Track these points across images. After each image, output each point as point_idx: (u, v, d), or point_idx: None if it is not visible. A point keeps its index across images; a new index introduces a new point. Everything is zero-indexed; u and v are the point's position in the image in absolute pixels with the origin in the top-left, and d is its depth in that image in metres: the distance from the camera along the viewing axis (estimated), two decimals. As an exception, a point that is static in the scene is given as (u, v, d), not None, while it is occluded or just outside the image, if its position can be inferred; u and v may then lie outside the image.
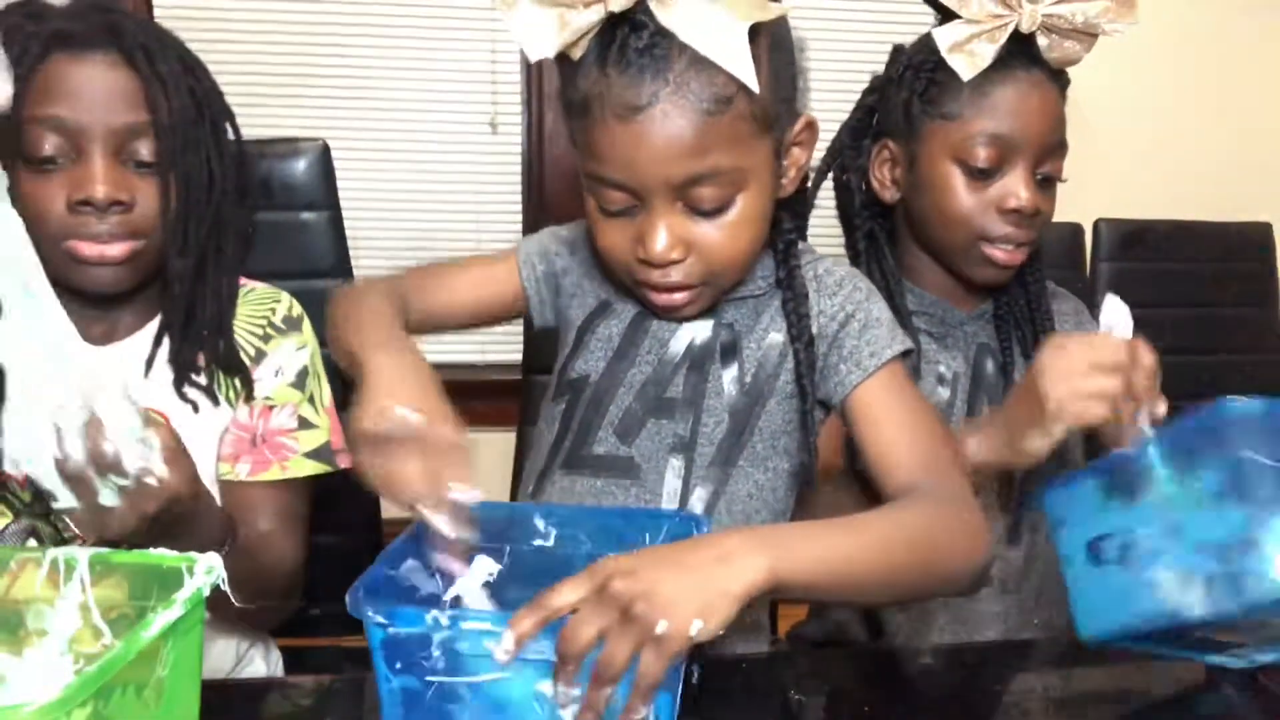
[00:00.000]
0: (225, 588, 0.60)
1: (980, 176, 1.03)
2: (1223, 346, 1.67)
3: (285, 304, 1.05)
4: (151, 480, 0.71)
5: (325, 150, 1.28)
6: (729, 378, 0.89)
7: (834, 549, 0.68)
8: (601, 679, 0.57)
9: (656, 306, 0.86)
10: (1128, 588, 0.74)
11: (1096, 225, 1.71)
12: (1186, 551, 0.69)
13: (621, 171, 0.76)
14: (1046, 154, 1.03)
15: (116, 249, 0.91)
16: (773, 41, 0.78)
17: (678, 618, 0.57)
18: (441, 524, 0.67)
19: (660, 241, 0.78)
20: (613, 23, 0.72)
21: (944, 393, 1.09)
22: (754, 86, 0.72)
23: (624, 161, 0.76)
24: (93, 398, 0.69)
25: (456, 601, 0.70)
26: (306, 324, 1.06)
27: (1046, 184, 1.05)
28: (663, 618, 0.56)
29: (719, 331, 0.90)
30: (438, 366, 0.75)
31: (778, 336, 0.89)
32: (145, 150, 0.91)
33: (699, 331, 0.90)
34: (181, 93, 0.92)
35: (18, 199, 0.89)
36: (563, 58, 0.75)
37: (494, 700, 0.60)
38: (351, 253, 1.31)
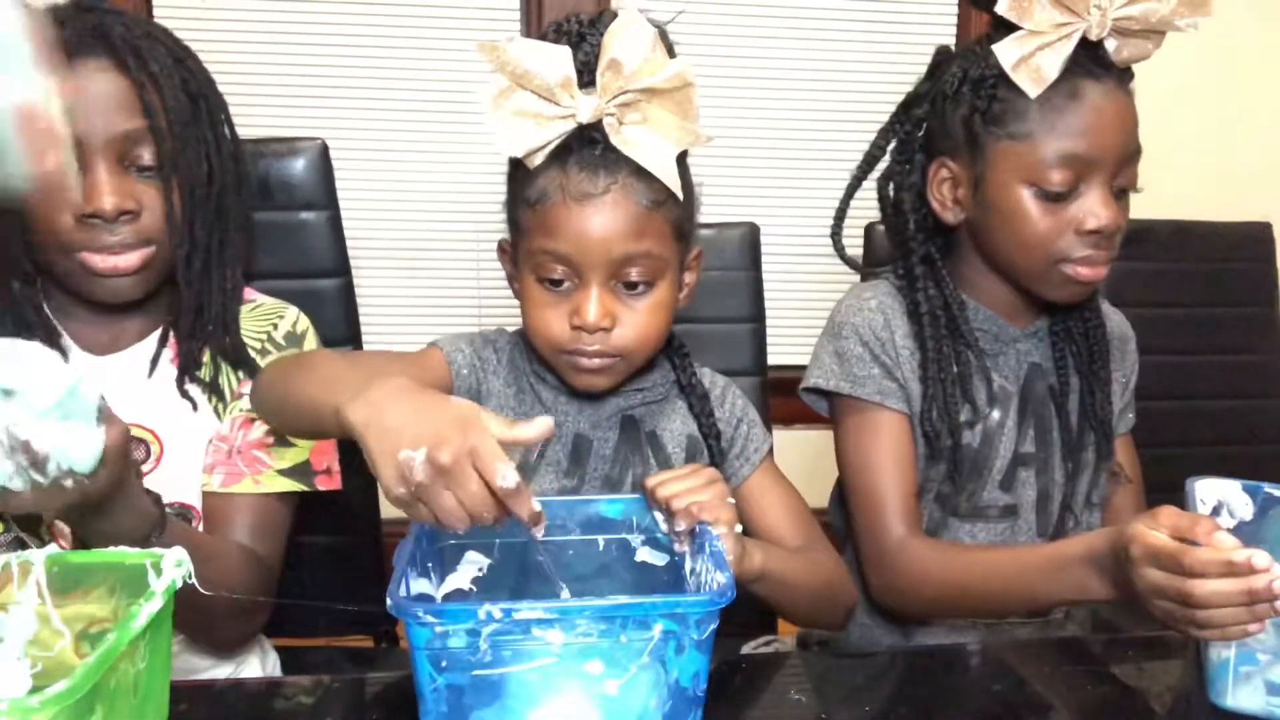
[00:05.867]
0: (193, 581, 0.60)
1: (1055, 199, 0.97)
2: (1223, 346, 1.66)
3: (290, 319, 1.04)
4: (69, 483, 0.66)
5: (324, 150, 1.28)
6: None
7: (789, 561, 0.92)
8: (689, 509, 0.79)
9: (577, 371, 0.95)
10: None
11: (1096, 225, 1.70)
12: None
13: (573, 246, 0.89)
14: (1122, 166, 0.98)
15: (129, 259, 0.91)
16: (685, 173, 0.94)
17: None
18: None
19: (594, 309, 0.90)
20: (575, 135, 0.87)
21: (995, 413, 1.06)
22: (679, 195, 0.90)
23: (577, 237, 0.89)
24: (44, 381, 0.63)
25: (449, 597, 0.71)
26: (310, 340, 1.04)
27: (1121, 194, 1.00)
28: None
29: (634, 427, 1.01)
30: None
31: (689, 430, 1.03)
32: (147, 155, 0.91)
33: (616, 432, 1.00)
34: (176, 91, 0.92)
35: (24, 210, 0.88)
36: (518, 165, 0.90)
37: (540, 686, 0.63)
38: (351, 253, 1.30)
